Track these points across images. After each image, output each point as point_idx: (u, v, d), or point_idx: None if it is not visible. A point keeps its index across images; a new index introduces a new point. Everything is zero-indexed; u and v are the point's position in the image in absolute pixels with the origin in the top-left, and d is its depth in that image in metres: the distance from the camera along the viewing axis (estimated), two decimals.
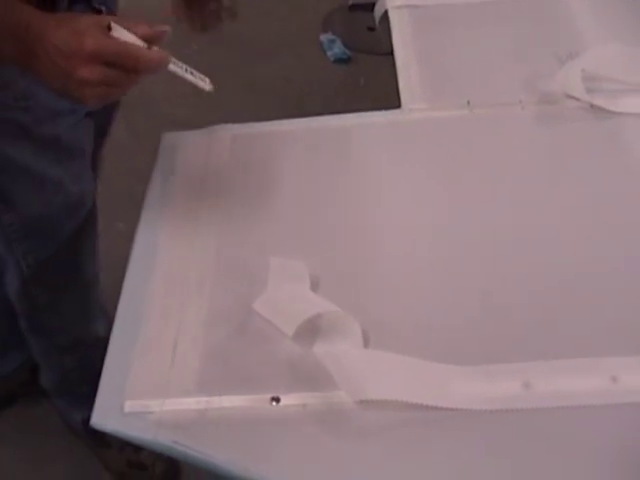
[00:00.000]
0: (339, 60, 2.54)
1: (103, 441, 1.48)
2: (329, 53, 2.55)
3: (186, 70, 0.82)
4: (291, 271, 0.80)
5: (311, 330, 0.77)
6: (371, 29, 1.20)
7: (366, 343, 0.76)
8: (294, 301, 0.78)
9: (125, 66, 0.74)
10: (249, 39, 2.44)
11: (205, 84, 0.84)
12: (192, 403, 0.74)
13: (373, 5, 1.23)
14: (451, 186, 0.93)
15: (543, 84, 1.04)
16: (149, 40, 0.76)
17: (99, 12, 0.98)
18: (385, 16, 1.23)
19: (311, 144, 1.00)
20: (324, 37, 2.61)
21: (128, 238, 0.91)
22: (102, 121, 1.16)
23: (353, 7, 1.25)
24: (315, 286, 0.81)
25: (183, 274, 0.85)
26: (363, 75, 2.42)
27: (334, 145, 1.00)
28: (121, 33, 0.75)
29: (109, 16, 0.79)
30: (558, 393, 0.71)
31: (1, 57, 0.77)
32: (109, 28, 0.75)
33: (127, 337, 0.81)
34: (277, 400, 0.73)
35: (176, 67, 0.80)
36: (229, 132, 1.02)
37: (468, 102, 1.03)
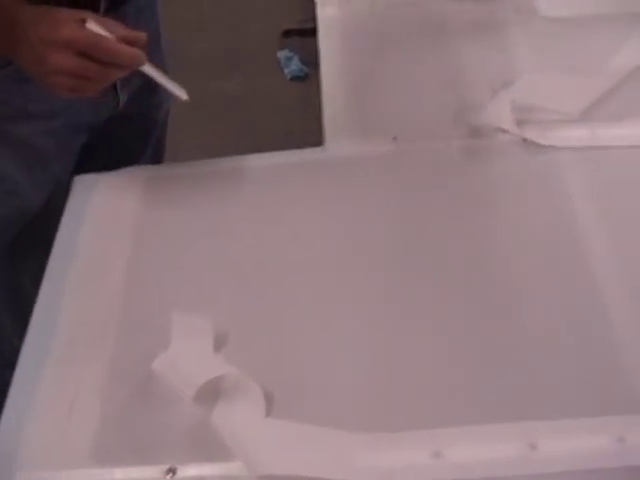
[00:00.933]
0: (296, 78, 2.49)
1: None
2: (286, 71, 2.50)
3: (161, 75, 0.83)
4: (195, 327, 0.75)
5: (212, 393, 0.72)
6: None
7: (269, 407, 0.72)
8: (194, 361, 0.73)
9: (98, 58, 0.76)
10: (201, 54, 2.39)
11: (182, 93, 0.84)
12: (85, 476, 0.70)
13: (308, 30, 1.17)
14: (373, 234, 0.89)
15: (474, 116, 0.99)
16: (125, 42, 0.78)
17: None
18: None
19: (227, 188, 0.96)
20: (281, 54, 2.56)
21: None
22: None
23: (287, 33, 1.19)
24: (222, 342, 0.77)
25: (85, 331, 0.80)
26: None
27: (252, 189, 0.95)
28: (96, 29, 0.77)
29: (89, 12, 0.80)
30: (471, 462, 0.66)
31: None
32: (84, 22, 0.76)
33: (24, 399, 0.76)
34: (173, 472, 0.69)
35: (151, 69, 0.81)
36: (144, 174, 0.97)
37: (394, 137, 0.98)
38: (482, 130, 0.99)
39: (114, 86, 0.98)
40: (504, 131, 0.98)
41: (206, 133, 2.14)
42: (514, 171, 0.95)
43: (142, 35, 0.80)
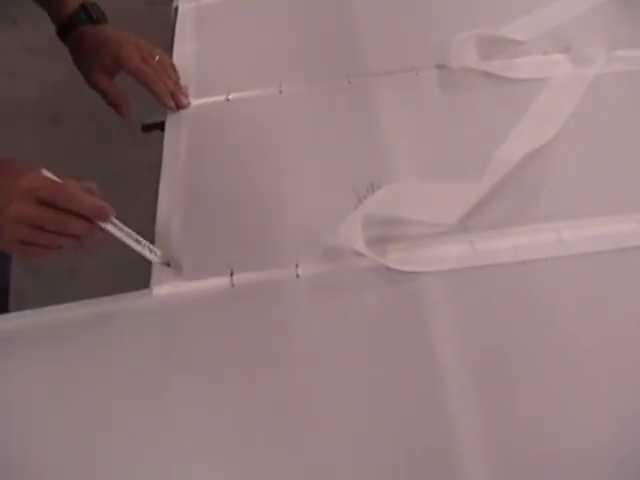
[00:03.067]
0: None
1: None
2: None
3: (130, 235, 0.77)
4: None
5: None
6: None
7: None
8: None
9: (61, 206, 0.72)
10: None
11: (154, 256, 0.80)
12: None
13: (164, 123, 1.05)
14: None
15: (327, 236, 0.83)
16: None
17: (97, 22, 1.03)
18: None
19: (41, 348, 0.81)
20: None
21: None
22: None
23: (146, 128, 1.04)
24: None
25: None
26: None
27: (75, 347, 0.81)
28: (53, 177, 0.73)
29: (42, 168, 0.75)
30: None
31: None
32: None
33: None
34: None
35: (115, 229, 0.76)
36: None
37: (231, 272, 0.81)
38: (335, 254, 0.82)
39: None
40: (360, 255, 0.80)
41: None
42: (370, 305, 0.78)
43: (93, 187, 0.76)
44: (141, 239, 0.79)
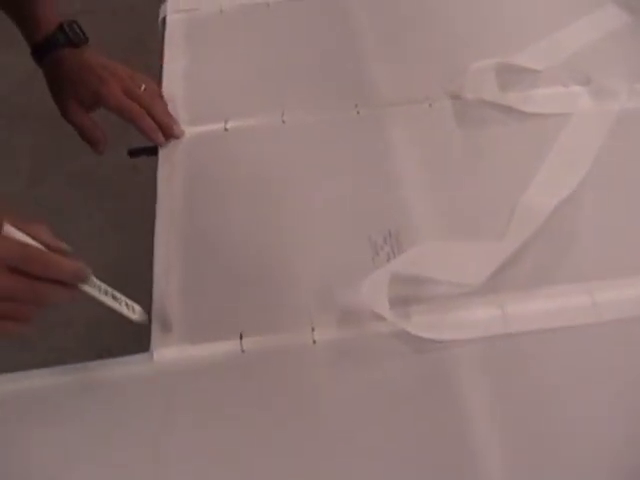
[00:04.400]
0: None
1: None
2: None
3: (106, 293, 0.70)
4: None
5: None
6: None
7: None
8: None
9: (32, 271, 0.62)
10: None
11: (132, 313, 0.73)
12: None
13: (152, 148, 0.98)
14: None
15: (344, 297, 0.75)
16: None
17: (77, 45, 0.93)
18: None
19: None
20: None
21: None
22: None
23: (133, 153, 0.95)
24: None
25: None
26: None
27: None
28: (18, 236, 0.63)
29: (6, 216, 0.65)
30: None
31: None
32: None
33: None
34: None
35: (92, 288, 0.68)
36: None
37: (240, 335, 0.74)
38: (354, 316, 0.74)
39: None
40: (382, 318, 0.73)
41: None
42: (394, 375, 0.71)
43: (67, 247, 0.67)
44: (118, 295, 0.72)
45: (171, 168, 0.93)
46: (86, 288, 0.68)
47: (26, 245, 0.64)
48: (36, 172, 2.05)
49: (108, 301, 0.71)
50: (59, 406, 0.73)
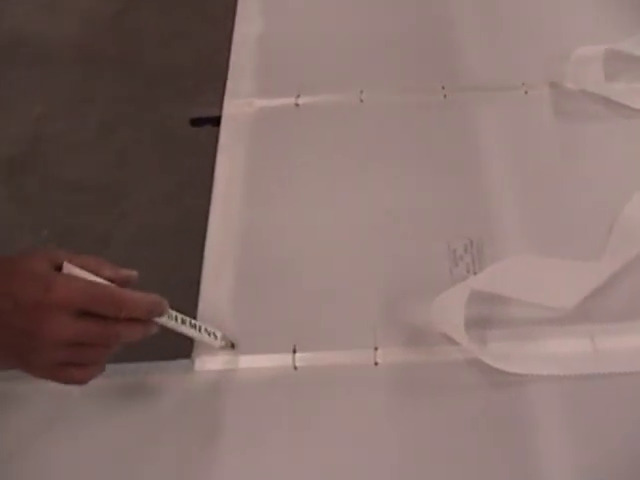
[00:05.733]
0: None
1: None
2: None
3: (184, 322, 0.63)
4: None
5: None
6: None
7: None
8: None
9: (104, 312, 0.55)
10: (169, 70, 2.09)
11: (215, 341, 0.66)
12: None
13: (216, 119, 0.90)
14: None
15: (412, 314, 0.66)
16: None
17: None
18: None
19: None
20: None
21: None
22: None
23: (195, 121, 0.87)
24: None
25: None
26: None
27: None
28: (80, 273, 0.57)
29: (62, 253, 0.58)
30: None
31: None
32: (59, 268, 0.56)
33: None
34: None
35: (169, 319, 0.61)
36: None
37: (294, 349, 0.65)
38: (423, 337, 0.65)
39: None
40: (454, 343, 0.64)
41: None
42: (463, 411, 0.62)
43: (133, 274, 0.60)
44: (197, 323, 0.64)
45: (232, 145, 0.85)
46: (164, 320, 0.61)
47: (93, 284, 0.57)
48: (107, 121, 1.98)
49: (187, 330, 0.63)
50: (94, 406, 0.67)
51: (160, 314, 0.60)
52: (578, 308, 0.68)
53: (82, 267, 0.57)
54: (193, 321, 0.64)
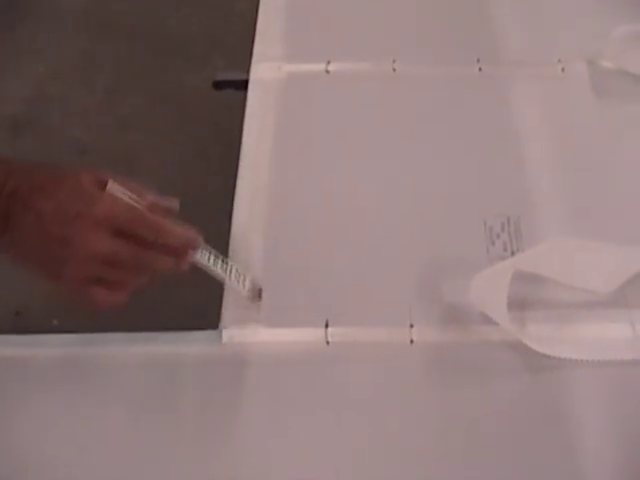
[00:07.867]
0: None
1: None
2: None
3: (219, 262, 0.62)
4: None
5: None
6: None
7: None
8: None
9: (142, 234, 0.56)
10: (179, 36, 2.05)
11: (243, 289, 0.64)
12: None
13: (240, 82, 0.87)
14: None
15: (449, 292, 0.64)
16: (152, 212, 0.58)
17: None
18: None
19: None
20: None
21: None
22: None
23: (218, 84, 0.84)
24: None
25: None
26: None
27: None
28: (122, 195, 0.57)
29: (108, 173, 0.59)
30: None
31: None
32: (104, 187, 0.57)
33: None
34: None
35: (202, 257, 0.61)
36: None
37: (326, 324, 0.64)
38: (460, 316, 0.63)
39: None
40: (493, 323, 0.62)
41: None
42: (499, 393, 0.60)
43: (174, 202, 0.61)
44: (229, 261, 0.63)
45: (261, 110, 0.82)
46: (198, 258, 0.60)
47: (134, 206, 0.58)
48: (114, 86, 1.94)
49: (218, 271, 0.62)
50: (121, 374, 0.65)
51: (194, 248, 0.59)
52: (618, 293, 0.65)
53: (127, 189, 0.58)
54: (226, 260, 0.62)
